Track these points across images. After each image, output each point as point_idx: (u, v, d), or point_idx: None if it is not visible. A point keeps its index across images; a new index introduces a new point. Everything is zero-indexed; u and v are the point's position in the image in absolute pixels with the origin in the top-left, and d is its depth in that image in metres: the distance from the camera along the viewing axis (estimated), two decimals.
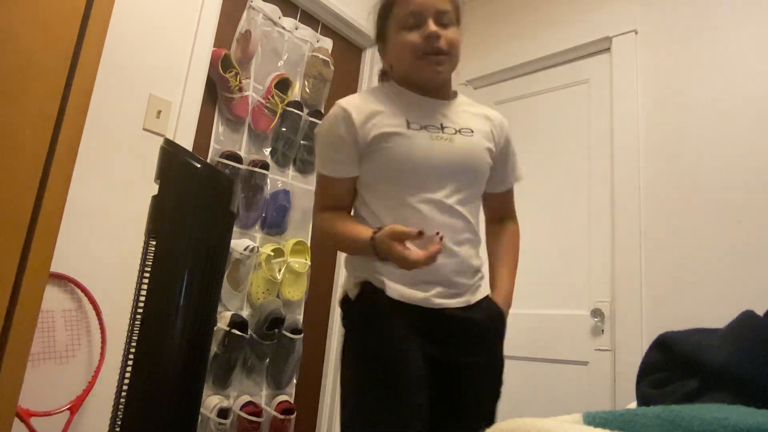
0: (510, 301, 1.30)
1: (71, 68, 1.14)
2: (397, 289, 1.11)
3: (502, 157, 1.29)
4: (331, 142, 1.16)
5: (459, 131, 1.19)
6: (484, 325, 1.18)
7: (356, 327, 1.16)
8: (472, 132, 1.20)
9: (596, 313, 2.18)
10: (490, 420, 1.17)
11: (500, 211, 1.37)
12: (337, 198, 1.20)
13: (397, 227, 1.02)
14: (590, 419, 0.50)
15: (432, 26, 1.14)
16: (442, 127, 1.18)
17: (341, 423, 1.11)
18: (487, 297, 1.24)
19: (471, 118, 1.24)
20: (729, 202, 1.96)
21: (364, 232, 1.09)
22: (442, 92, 1.24)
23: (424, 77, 1.19)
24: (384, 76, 1.32)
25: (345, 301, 1.20)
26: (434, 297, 1.12)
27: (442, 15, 1.16)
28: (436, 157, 1.14)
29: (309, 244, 2.24)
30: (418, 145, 1.13)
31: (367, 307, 1.14)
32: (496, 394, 1.21)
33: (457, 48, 1.19)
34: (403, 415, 1.03)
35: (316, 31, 2.41)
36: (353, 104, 1.16)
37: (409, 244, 1.02)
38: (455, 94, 1.29)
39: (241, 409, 1.89)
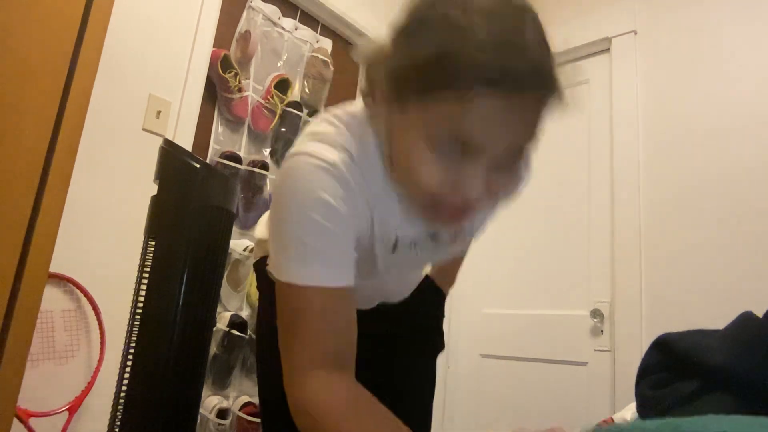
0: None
1: (71, 68, 1.13)
2: None
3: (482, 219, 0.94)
4: (322, 236, 0.66)
5: (455, 236, 0.87)
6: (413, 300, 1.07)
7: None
8: (464, 237, 0.90)
9: (596, 313, 2.18)
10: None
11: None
12: (336, 335, 0.67)
13: None
14: None
15: (479, 181, 0.62)
16: (436, 236, 0.83)
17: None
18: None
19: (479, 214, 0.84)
20: (729, 202, 1.96)
21: None
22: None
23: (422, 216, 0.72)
24: (367, 101, 0.72)
25: (263, 279, 0.96)
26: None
27: (515, 152, 0.64)
28: (411, 260, 0.87)
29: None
30: (393, 263, 0.82)
31: None
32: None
33: (503, 195, 0.73)
34: None
35: (316, 32, 2.41)
36: (351, 169, 0.68)
37: None
38: None
39: (240, 410, 1.88)
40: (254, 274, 1.72)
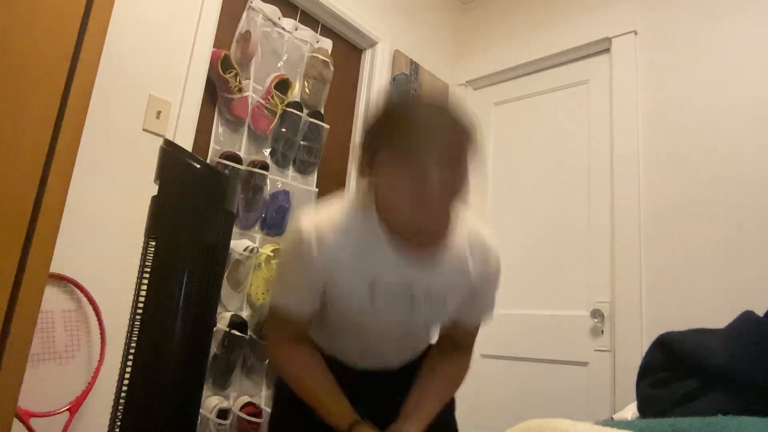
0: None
1: (71, 68, 1.14)
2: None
3: (479, 293, 1.10)
4: (295, 278, 1.03)
5: (430, 299, 1.04)
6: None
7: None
8: (446, 299, 1.06)
9: (596, 313, 2.18)
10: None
11: (454, 339, 1.18)
12: (297, 329, 1.09)
13: None
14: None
15: (434, 194, 0.89)
16: (412, 298, 1.03)
17: None
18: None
19: (450, 279, 1.05)
20: (729, 202, 1.96)
21: (341, 411, 1.02)
22: (426, 247, 1.02)
23: (408, 233, 0.99)
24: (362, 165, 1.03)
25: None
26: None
27: (451, 160, 0.92)
28: (392, 328, 1.07)
29: None
30: (374, 323, 1.05)
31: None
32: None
33: (455, 208, 0.99)
34: None
35: (316, 32, 2.41)
36: (322, 242, 0.98)
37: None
38: (448, 236, 1.04)
39: (240, 410, 1.88)
40: (255, 279, 1.77)
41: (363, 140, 0.98)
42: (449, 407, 1.21)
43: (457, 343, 1.18)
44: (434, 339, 1.21)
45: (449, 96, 1.02)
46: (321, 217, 1.01)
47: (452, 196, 0.93)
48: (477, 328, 1.18)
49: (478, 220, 1.12)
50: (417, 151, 0.88)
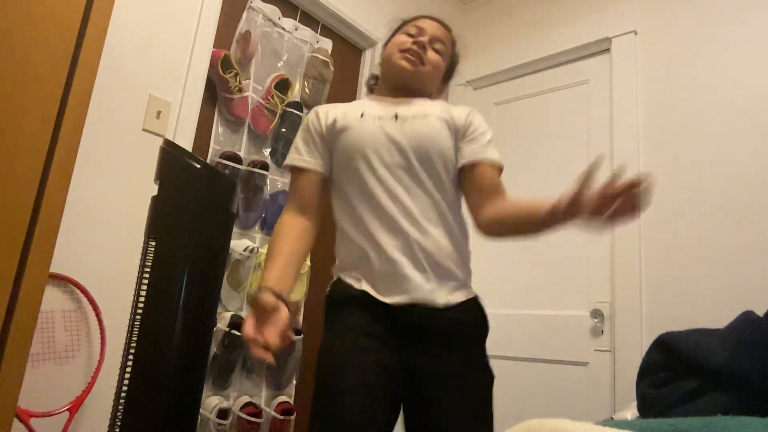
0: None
1: (71, 68, 1.14)
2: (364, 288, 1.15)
3: (469, 135, 1.25)
4: (300, 137, 1.28)
5: (413, 117, 1.23)
6: (459, 329, 1.14)
7: (325, 323, 1.20)
8: (426, 116, 1.23)
9: (596, 313, 2.18)
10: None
11: (486, 191, 1.21)
12: (301, 196, 1.24)
13: (267, 302, 1.00)
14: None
15: (424, 38, 1.29)
16: (396, 116, 1.23)
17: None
18: (471, 299, 1.19)
19: (430, 108, 1.26)
20: (729, 202, 1.96)
21: (269, 272, 1.09)
22: (411, 96, 1.31)
23: (396, 70, 1.28)
24: (371, 83, 1.45)
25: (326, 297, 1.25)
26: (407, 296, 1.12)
27: (435, 41, 1.31)
28: (384, 138, 1.19)
29: None
30: (366, 132, 1.20)
31: (334, 304, 1.19)
32: (477, 406, 1.12)
33: (434, 68, 1.31)
34: (339, 422, 1.01)
35: (316, 32, 2.41)
36: (323, 107, 1.30)
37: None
38: (430, 98, 1.36)
39: (240, 410, 1.88)
40: (255, 279, 1.81)
41: (394, 26, 1.41)
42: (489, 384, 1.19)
43: (490, 194, 1.21)
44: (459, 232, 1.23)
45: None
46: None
47: (427, 57, 1.28)
48: (491, 170, 1.23)
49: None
50: (416, 20, 1.34)
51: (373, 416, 1.02)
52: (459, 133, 1.25)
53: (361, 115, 1.23)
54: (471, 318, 1.18)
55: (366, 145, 1.19)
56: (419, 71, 1.27)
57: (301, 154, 1.25)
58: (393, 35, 1.37)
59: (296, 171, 1.26)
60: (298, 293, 2.17)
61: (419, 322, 1.11)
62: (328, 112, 1.26)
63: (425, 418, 1.09)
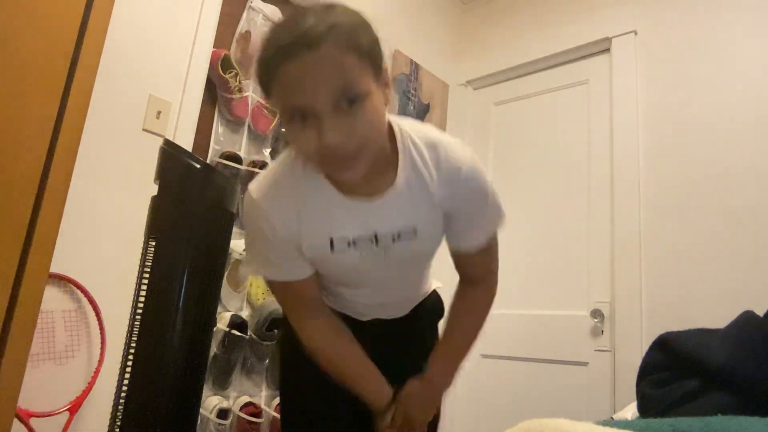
0: (442, 382, 1.12)
1: (71, 68, 1.13)
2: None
3: (465, 213, 0.98)
4: (261, 248, 0.98)
5: (398, 236, 0.96)
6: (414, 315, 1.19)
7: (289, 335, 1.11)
8: (415, 231, 0.96)
9: (596, 313, 2.18)
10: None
11: (469, 272, 1.08)
12: (307, 299, 1.02)
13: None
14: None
15: (328, 130, 0.77)
16: (376, 239, 0.95)
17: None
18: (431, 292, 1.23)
19: (413, 206, 0.94)
20: (729, 202, 1.96)
21: (377, 388, 1.04)
22: (374, 181, 0.92)
23: (339, 179, 0.91)
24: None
25: None
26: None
27: (340, 94, 0.77)
28: (369, 272, 1.01)
29: None
30: (348, 265, 0.98)
31: None
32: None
33: (374, 132, 0.82)
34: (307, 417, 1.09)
35: None
36: (270, 204, 0.93)
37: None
38: (392, 149, 0.93)
39: (240, 410, 1.88)
40: (255, 279, 1.76)
41: (256, 76, 0.84)
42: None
43: (472, 278, 1.08)
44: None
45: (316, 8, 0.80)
46: (267, 181, 0.95)
47: (357, 142, 0.80)
48: (485, 250, 1.03)
49: (424, 127, 0.97)
50: (298, 106, 0.77)
51: (336, 412, 1.09)
52: (452, 209, 0.97)
53: (331, 245, 0.95)
54: (427, 304, 1.22)
55: (345, 275, 1.03)
56: (369, 158, 0.84)
57: (282, 269, 0.98)
58: (267, 99, 0.84)
59: (285, 283, 1.00)
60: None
61: (378, 324, 1.16)
62: (282, 218, 0.93)
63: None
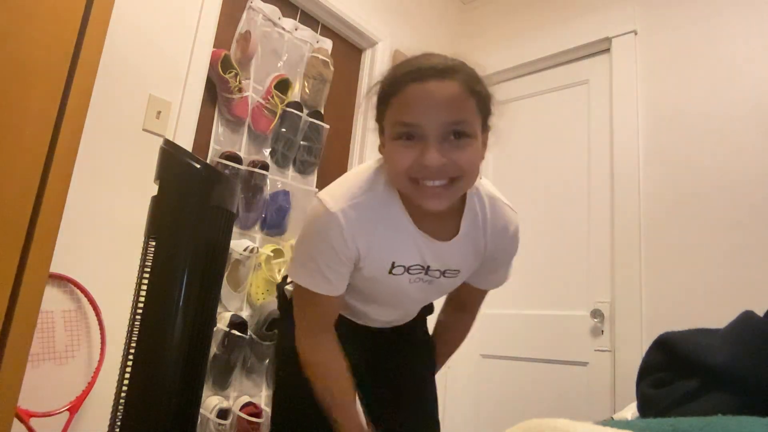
0: None
1: (71, 68, 1.14)
2: None
3: (486, 266, 1.12)
4: (325, 260, 0.96)
5: (444, 273, 1.05)
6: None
7: (288, 332, 1.10)
8: (458, 272, 1.07)
9: (596, 313, 2.18)
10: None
11: (465, 300, 1.24)
12: (328, 317, 1.05)
13: None
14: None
15: (431, 152, 0.84)
16: (427, 270, 1.04)
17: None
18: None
19: (463, 253, 1.05)
20: (729, 202, 1.96)
21: (352, 425, 1.02)
22: (441, 222, 1.00)
23: (421, 206, 0.93)
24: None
25: (281, 298, 1.22)
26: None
27: (452, 126, 0.85)
28: (406, 295, 1.08)
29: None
30: (394, 287, 1.05)
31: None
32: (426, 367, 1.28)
33: (470, 171, 0.89)
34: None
35: (316, 32, 2.41)
36: (348, 219, 0.94)
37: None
38: (465, 203, 1.02)
39: (240, 410, 1.88)
40: (255, 279, 1.75)
41: (375, 93, 0.94)
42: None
43: (463, 307, 1.25)
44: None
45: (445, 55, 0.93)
46: (346, 195, 0.96)
47: (453, 173, 0.87)
48: (487, 292, 1.22)
49: (493, 188, 1.08)
50: (403, 98, 0.86)
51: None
52: (486, 260, 1.10)
53: (392, 268, 1.01)
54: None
55: (384, 294, 1.09)
56: (455, 196, 0.92)
57: (331, 284, 0.98)
58: (380, 112, 0.93)
59: (318, 295, 1.00)
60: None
61: (376, 331, 1.22)
62: (355, 239, 0.95)
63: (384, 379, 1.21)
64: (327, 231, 0.94)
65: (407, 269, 1.02)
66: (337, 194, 0.96)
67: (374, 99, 0.94)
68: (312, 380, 1.03)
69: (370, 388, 1.13)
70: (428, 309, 1.32)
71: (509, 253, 1.13)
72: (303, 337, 1.04)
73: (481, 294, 1.22)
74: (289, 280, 1.16)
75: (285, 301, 1.19)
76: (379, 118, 0.94)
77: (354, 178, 1.00)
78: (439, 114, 0.84)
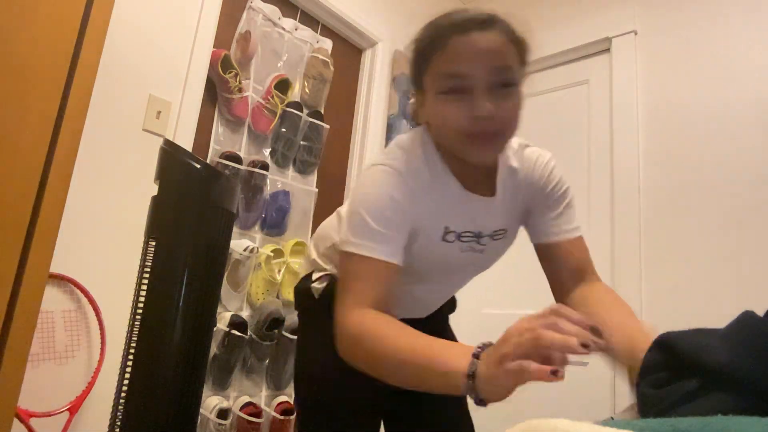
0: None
1: (71, 68, 1.14)
2: None
3: (543, 201, 1.05)
4: (387, 211, 0.87)
5: (492, 236, 1.02)
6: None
7: (314, 334, 1.07)
8: (506, 231, 1.04)
9: None
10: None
11: (573, 269, 1.07)
12: (381, 288, 0.86)
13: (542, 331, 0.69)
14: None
15: (482, 102, 0.84)
16: (478, 237, 1.00)
17: None
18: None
19: (507, 207, 1.02)
20: (729, 202, 1.96)
21: (454, 349, 0.79)
22: (485, 181, 0.99)
23: (471, 160, 0.92)
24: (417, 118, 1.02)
25: (305, 297, 1.11)
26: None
27: (498, 75, 0.85)
28: (453, 268, 1.05)
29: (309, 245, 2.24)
30: (447, 255, 0.99)
31: (324, 306, 1.00)
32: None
33: (515, 120, 0.91)
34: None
35: (316, 32, 2.41)
36: (409, 171, 0.91)
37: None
38: (502, 155, 1.02)
39: (240, 410, 1.88)
40: (255, 279, 1.71)
41: (412, 54, 0.92)
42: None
43: (577, 276, 1.07)
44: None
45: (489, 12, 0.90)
46: (400, 155, 0.93)
47: (501, 125, 0.87)
48: (579, 244, 1.07)
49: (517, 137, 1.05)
50: (449, 48, 0.85)
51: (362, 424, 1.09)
52: (534, 206, 1.06)
53: (444, 234, 0.96)
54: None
55: (431, 267, 1.02)
56: (503, 146, 0.95)
57: (389, 243, 0.87)
58: (418, 75, 0.93)
59: (373, 262, 0.86)
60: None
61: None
62: (413, 196, 0.91)
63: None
64: (387, 181, 0.89)
65: (459, 236, 0.97)
66: (391, 155, 0.93)
67: (411, 60, 0.93)
68: (370, 360, 0.80)
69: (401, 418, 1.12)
70: (451, 306, 1.27)
71: (559, 186, 1.06)
72: (347, 310, 0.84)
73: (577, 247, 1.07)
74: (315, 276, 1.09)
75: (312, 302, 1.08)
76: (418, 79, 0.92)
77: (396, 147, 0.96)
78: (486, 63, 0.84)
